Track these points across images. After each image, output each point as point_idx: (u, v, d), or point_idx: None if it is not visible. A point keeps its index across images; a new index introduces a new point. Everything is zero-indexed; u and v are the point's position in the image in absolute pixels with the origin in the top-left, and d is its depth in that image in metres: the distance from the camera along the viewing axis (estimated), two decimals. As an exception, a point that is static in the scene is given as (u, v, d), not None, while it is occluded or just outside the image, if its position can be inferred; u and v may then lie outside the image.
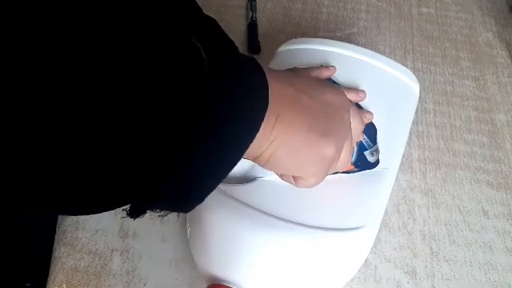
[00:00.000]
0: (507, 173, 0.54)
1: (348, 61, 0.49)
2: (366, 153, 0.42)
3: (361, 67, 0.49)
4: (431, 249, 0.47)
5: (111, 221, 0.47)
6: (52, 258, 0.44)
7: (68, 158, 0.20)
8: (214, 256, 0.36)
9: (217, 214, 0.37)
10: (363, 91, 0.44)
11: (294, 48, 0.52)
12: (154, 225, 0.47)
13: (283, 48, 0.53)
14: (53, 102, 0.18)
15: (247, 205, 0.36)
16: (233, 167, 0.26)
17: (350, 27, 0.71)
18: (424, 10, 0.75)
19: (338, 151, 0.34)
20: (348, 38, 0.69)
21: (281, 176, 0.36)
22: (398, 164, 0.46)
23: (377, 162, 0.42)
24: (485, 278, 0.45)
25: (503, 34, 0.72)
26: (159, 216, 0.27)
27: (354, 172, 0.42)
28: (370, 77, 0.48)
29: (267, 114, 0.27)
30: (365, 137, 0.43)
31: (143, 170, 0.22)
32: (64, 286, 0.43)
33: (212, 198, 0.36)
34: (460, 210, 0.50)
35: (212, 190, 0.27)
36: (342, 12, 0.73)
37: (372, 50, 0.68)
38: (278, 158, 0.30)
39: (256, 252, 0.35)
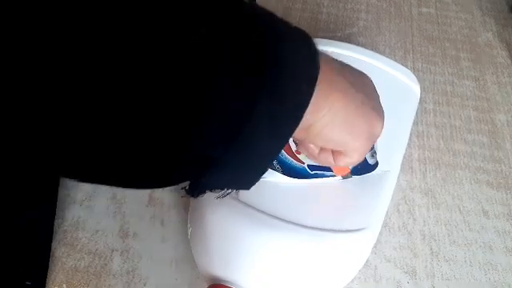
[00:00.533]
0: (507, 173, 0.54)
1: (347, 61, 0.49)
2: (367, 155, 0.42)
3: (360, 67, 0.49)
4: (431, 249, 0.47)
5: (111, 221, 0.47)
6: (52, 258, 0.44)
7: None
8: (214, 256, 0.36)
9: (217, 213, 0.37)
10: None
11: None
12: (154, 225, 0.47)
13: None
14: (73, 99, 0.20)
15: (248, 205, 0.36)
16: (294, 130, 0.26)
17: (350, 27, 0.71)
18: (424, 9, 0.75)
19: (382, 129, 0.34)
20: (348, 38, 0.69)
21: (318, 155, 0.34)
22: (399, 166, 0.46)
23: (376, 165, 0.42)
24: (485, 278, 0.45)
25: (503, 34, 0.72)
26: (217, 198, 0.29)
27: (354, 176, 0.42)
28: (370, 77, 0.48)
29: (322, 79, 0.27)
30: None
31: (205, 140, 0.23)
32: (64, 285, 0.43)
33: (213, 198, 0.36)
34: (460, 209, 0.50)
35: (274, 157, 0.27)
36: (341, 12, 0.73)
37: (372, 50, 0.67)
38: (331, 128, 0.29)
39: (257, 252, 0.35)
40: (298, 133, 0.29)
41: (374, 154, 0.42)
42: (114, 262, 0.44)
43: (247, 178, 0.28)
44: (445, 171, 0.53)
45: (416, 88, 0.51)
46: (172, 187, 0.50)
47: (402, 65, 0.51)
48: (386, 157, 0.43)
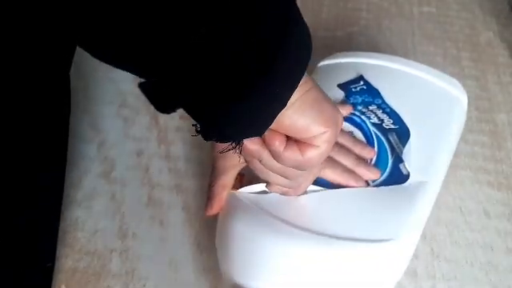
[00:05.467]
0: (508, 173, 0.53)
1: (393, 74, 0.48)
2: (402, 165, 0.41)
3: (404, 80, 0.48)
4: (432, 249, 0.47)
5: (110, 221, 0.47)
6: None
7: None
8: (237, 264, 0.36)
9: (242, 222, 0.36)
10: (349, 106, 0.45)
11: (335, 62, 0.51)
12: (153, 225, 0.47)
13: (324, 63, 0.52)
14: None
15: (273, 214, 0.36)
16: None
17: (351, 26, 0.71)
18: (425, 9, 0.75)
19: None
20: (349, 37, 0.69)
21: (283, 153, 0.32)
22: (441, 177, 0.43)
23: (408, 175, 0.41)
24: (486, 279, 0.45)
25: (504, 33, 0.71)
26: (220, 152, 0.30)
27: (387, 185, 0.40)
28: (415, 88, 0.47)
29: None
30: (401, 147, 0.42)
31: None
32: (63, 286, 0.43)
33: (239, 207, 0.37)
34: (461, 210, 0.50)
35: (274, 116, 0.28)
36: (342, 11, 0.73)
37: (373, 49, 0.67)
38: (304, 102, 0.29)
39: (281, 262, 0.35)
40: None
41: (404, 164, 0.41)
42: (113, 262, 0.44)
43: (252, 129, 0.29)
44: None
45: (463, 97, 0.49)
46: (171, 188, 0.50)
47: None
48: (425, 167, 0.41)
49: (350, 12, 0.73)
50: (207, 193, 0.40)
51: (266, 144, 0.32)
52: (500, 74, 0.65)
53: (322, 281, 0.35)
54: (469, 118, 0.59)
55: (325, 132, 0.31)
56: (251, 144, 0.32)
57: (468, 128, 0.58)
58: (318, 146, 0.31)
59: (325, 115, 0.31)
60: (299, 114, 0.30)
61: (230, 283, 0.38)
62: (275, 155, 0.32)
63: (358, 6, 0.74)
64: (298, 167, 0.33)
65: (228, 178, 0.39)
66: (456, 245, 0.47)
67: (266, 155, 0.32)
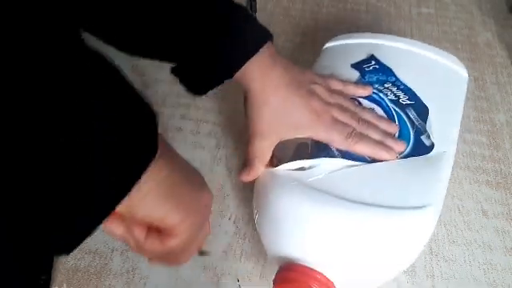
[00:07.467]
0: (506, 172, 0.54)
1: (397, 52, 0.50)
2: (423, 137, 0.43)
3: (410, 57, 0.50)
4: (431, 248, 0.47)
5: (111, 220, 0.47)
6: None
7: None
8: (284, 238, 0.38)
9: (285, 197, 0.38)
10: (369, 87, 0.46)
11: (342, 43, 0.53)
12: (154, 224, 0.47)
13: (330, 44, 0.54)
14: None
15: (312, 187, 0.38)
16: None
17: (350, 27, 0.71)
18: (424, 10, 0.75)
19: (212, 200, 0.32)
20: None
21: (144, 241, 0.29)
22: (455, 146, 0.45)
23: (432, 146, 0.43)
24: (484, 278, 0.45)
25: (503, 34, 0.72)
26: None
27: (412, 156, 0.42)
28: (420, 66, 0.50)
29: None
30: (420, 121, 0.44)
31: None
32: (64, 285, 0.43)
33: (278, 183, 0.39)
34: (459, 209, 0.50)
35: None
36: (341, 12, 0.73)
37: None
38: (157, 192, 0.27)
39: (325, 231, 0.37)
40: (123, 206, 0.24)
41: (428, 135, 0.43)
42: (114, 261, 0.45)
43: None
44: (444, 171, 0.53)
45: (463, 72, 0.51)
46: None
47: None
48: (442, 139, 0.44)
49: (349, 13, 0.73)
50: (244, 161, 0.42)
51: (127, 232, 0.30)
52: (498, 75, 0.65)
53: (361, 247, 0.37)
54: (467, 118, 0.59)
55: (183, 221, 0.29)
56: (116, 229, 0.29)
57: (466, 128, 0.58)
58: (177, 235, 0.29)
59: (183, 203, 0.28)
60: (153, 205, 0.27)
61: (276, 260, 0.39)
62: (137, 244, 0.30)
63: (357, 7, 0.75)
64: (163, 255, 0.31)
65: (266, 154, 0.42)
66: (454, 244, 0.47)
67: (132, 241, 0.30)
